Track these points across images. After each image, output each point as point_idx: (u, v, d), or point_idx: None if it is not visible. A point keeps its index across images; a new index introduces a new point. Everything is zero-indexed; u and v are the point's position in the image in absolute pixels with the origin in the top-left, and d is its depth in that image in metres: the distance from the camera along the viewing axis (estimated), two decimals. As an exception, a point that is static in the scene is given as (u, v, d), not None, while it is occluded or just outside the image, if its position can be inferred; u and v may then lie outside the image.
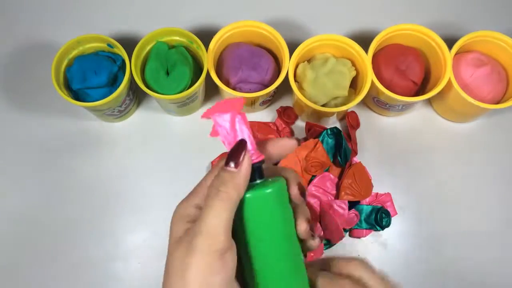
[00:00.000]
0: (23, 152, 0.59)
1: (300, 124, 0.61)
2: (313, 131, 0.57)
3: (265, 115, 0.61)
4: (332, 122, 0.61)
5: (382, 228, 0.55)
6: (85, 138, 0.59)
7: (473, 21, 0.64)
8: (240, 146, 0.29)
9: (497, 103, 0.57)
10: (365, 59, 0.54)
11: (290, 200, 0.31)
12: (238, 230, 0.28)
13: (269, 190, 0.29)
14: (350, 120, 0.58)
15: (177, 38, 0.56)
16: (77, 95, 0.55)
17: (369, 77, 0.54)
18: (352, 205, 0.55)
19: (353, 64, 0.57)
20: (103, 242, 0.56)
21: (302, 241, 0.31)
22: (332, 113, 0.57)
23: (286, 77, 0.54)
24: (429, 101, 0.63)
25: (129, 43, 0.55)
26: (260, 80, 0.55)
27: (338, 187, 0.55)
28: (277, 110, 0.60)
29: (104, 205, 0.57)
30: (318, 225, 0.54)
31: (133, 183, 0.58)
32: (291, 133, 0.60)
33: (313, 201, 0.54)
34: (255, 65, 0.54)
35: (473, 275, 0.55)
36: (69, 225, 0.56)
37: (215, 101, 0.62)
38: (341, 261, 0.30)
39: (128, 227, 0.56)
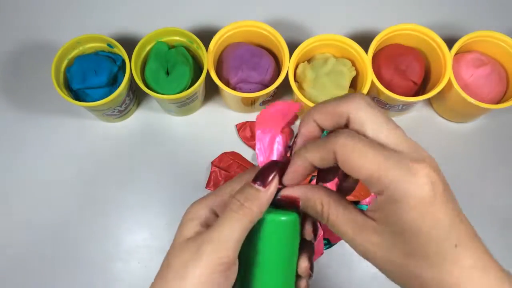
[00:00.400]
0: (23, 152, 0.59)
1: (300, 124, 0.61)
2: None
3: (265, 115, 0.61)
4: (332, 122, 0.61)
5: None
6: (85, 138, 0.59)
7: (473, 21, 0.64)
8: (272, 166, 0.28)
9: (497, 103, 0.57)
10: (365, 59, 0.54)
11: (301, 236, 0.31)
12: (242, 248, 0.28)
13: (284, 218, 0.29)
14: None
15: (177, 38, 0.56)
16: (77, 95, 0.55)
17: (369, 77, 0.54)
18: (352, 205, 0.55)
19: (353, 64, 0.57)
20: (103, 242, 0.56)
21: (297, 277, 0.31)
22: (332, 113, 0.57)
23: (286, 77, 0.54)
24: (429, 101, 0.63)
25: (129, 43, 0.55)
26: (260, 80, 0.55)
27: (338, 187, 0.55)
28: (277, 110, 0.60)
29: (104, 205, 0.57)
30: (318, 225, 0.54)
31: (133, 183, 0.58)
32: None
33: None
34: (255, 65, 0.54)
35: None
36: (69, 225, 0.56)
37: (215, 101, 0.62)
38: (336, 102, 0.26)
39: (128, 227, 0.56)
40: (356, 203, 0.55)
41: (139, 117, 0.61)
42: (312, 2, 0.66)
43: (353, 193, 0.54)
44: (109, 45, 0.55)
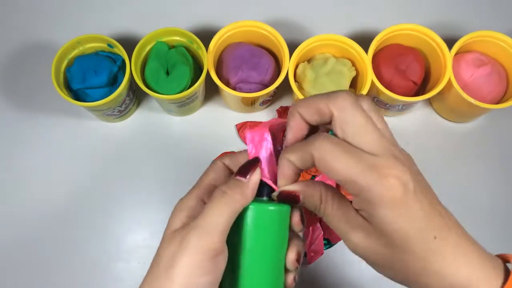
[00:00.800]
0: (23, 152, 0.59)
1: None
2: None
3: (265, 115, 0.61)
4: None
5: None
6: (85, 138, 0.59)
7: (473, 21, 0.64)
8: (252, 162, 0.29)
9: (497, 103, 0.57)
10: (365, 59, 0.54)
11: (290, 229, 0.31)
12: (231, 238, 0.28)
13: (272, 208, 0.29)
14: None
15: (177, 38, 0.56)
16: (77, 95, 0.55)
17: (369, 77, 0.54)
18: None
19: (353, 64, 0.57)
20: (103, 242, 0.56)
21: (286, 271, 0.31)
22: (332, 113, 0.57)
23: (286, 77, 0.54)
24: (429, 101, 0.63)
25: (129, 43, 0.55)
26: (260, 80, 0.55)
27: (338, 186, 0.55)
28: (277, 110, 0.60)
29: (104, 204, 0.57)
30: (318, 225, 0.54)
31: (133, 183, 0.58)
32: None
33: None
34: (255, 65, 0.54)
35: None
36: (69, 225, 0.56)
37: (215, 101, 0.62)
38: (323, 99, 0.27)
39: (128, 227, 0.56)
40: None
41: (139, 117, 0.61)
42: (312, 2, 0.66)
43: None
44: (109, 45, 0.55)
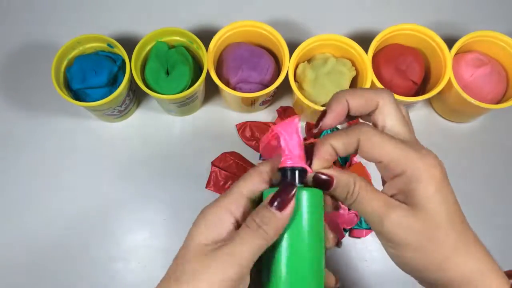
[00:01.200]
0: (23, 152, 0.59)
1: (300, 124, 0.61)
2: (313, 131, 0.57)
3: (265, 115, 0.61)
4: (332, 122, 0.61)
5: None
6: (85, 138, 0.59)
7: (473, 21, 0.64)
8: (289, 189, 0.29)
9: (497, 103, 0.57)
10: (365, 59, 0.54)
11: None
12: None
13: (318, 192, 0.30)
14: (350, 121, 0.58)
15: (177, 38, 0.56)
16: (77, 95, 0.55)
17: (369, 77, 0.54)
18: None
19: (353, 64, 0.57)
20: (103, 242, 0.56)
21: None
22: (332, 113, 0.57)
23: (286, 77, 0.54)
24: (429, 101, 0.63)
25: (129, 43, 0.55)
26: (260, 80, 0.55)
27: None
28: (277, 110, 0.60)
29: (104, 204, 0.57)
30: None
31: (133, 183, 0.58)
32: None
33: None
34: (255, 65, 0.54)
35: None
36: (69, 225, 0.56)
37: (215, 101, 0.62)
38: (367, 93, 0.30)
39: (128, 227, 0.56)
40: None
41: (139, 117, 0.61)
42: (312, 2, 0.66)
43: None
44: (109, 45, 0.55)
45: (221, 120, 0.61)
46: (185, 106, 0.57)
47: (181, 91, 0.52)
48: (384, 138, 0.28)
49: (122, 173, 0.58)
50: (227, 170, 0.57)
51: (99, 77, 0.53)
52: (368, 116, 0.31)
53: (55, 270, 0.54)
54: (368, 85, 0.53)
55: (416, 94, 0.58)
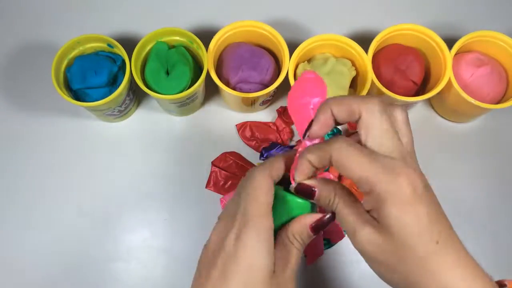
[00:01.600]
0: (23, 152, 0.59)
1: (300, 124, 0.61)
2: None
3: (265, 115, 0.61)
4: (332, 122, 0.61)
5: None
6: (85, 138, 0.59)
7: (473, 21, 0.64)
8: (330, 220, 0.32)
9: (497, 103, 0.57)
10: (365, 59, 0.54)
11: None
12: None
13: (300, 200, 0.33)
14: (350, 120, 0.58)
15: (177, 38, 0.56)
16: (77, 95, 0.55)
17: (369, 77, 0.54)
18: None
19: (353, 64, 0.57)
20: (103, 242, 0.56)
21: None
22: (332, 113, 0.57)
23: (286, 77, 0.54)
24: (429, 101, 0.63)
25: (129, 43, 0.55)
26: (260, 80, 0.55)
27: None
28: (277, 110, 0.60)
29: (104, 205, 0.57)
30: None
31: (133, 183, 0.58)
32: (291, 133, 0.60)
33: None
34: (255, 65, 0.54)
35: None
36: (68, 225, 0.56)
37: (215, 101, 0.62)
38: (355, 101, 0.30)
39: (128, 227, 0.56)
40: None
41: (139, 117, 0.61)
42: (312, 2, 0.66)
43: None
44: (109, 45, 0.55)
45: (221, 120, 0.61)
46: (185, 106, 0.57)
47: (181, 91, 0.53)
48: (355, 155, 0.28)
49: (122, 173, 0.58)
50: (227, 170, 0.57)
51: (99, 77, 0.53)
52: None
53: (55, 270, 0.54)
54: (368, 85, 0.53)
55: (416, 94, 0.58)
